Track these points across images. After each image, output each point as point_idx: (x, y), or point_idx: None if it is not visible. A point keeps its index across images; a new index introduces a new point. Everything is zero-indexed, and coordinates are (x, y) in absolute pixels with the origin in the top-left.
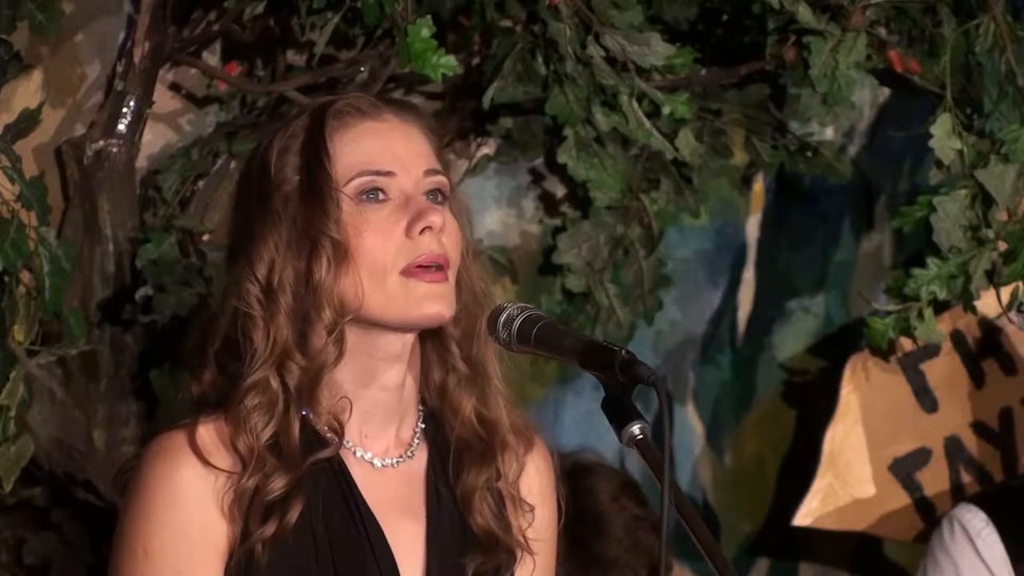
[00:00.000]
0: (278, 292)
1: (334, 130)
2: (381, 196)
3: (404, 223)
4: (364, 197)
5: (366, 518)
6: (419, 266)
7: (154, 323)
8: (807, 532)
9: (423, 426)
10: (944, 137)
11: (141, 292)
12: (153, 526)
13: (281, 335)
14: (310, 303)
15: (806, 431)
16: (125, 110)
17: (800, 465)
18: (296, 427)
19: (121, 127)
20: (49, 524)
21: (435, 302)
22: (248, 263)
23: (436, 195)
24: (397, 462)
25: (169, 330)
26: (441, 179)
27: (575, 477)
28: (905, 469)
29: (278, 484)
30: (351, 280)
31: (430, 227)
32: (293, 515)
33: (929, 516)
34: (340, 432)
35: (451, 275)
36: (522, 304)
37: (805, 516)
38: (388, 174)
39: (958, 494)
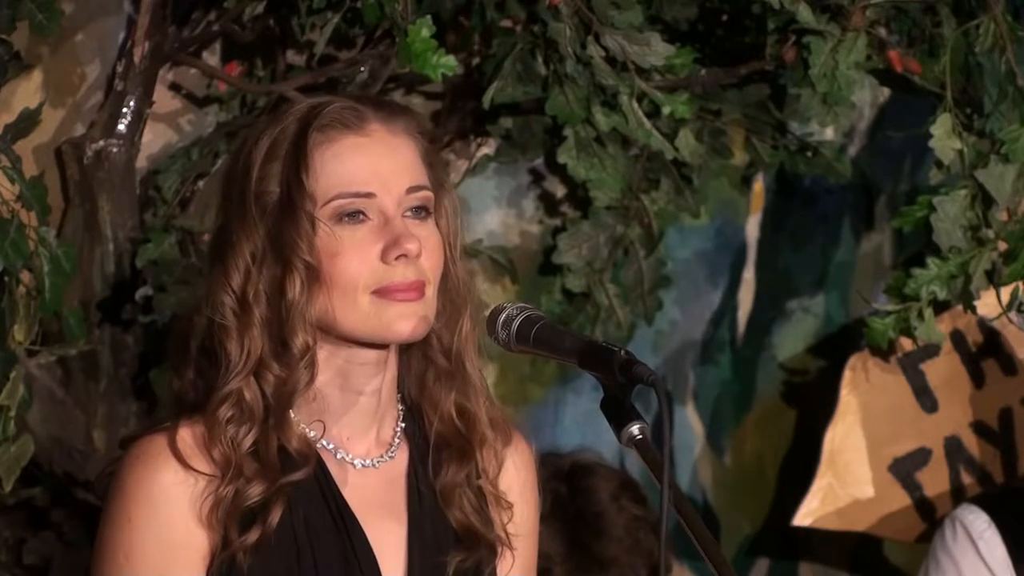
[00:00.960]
0: (252, 304)
1: (317, 144)
2: (359, 217)
3: (380, 247)
4: (342, 219)
5: (347, 520)
6: (392, 288)
7: (154, 323)
8: (807, 532)
9: (403, 425)
10: (944, 137)
11: (141, 292)
12: (133, 531)
13: (256, 347)
14: (283, 323)
15: (806, 431)
16: (125, 110)
17: (800, 465)
18: (275, 436)
19: (121, 127)
20: (49, 524)
21: (407, 321)
22: (224, 271)
23: (420, 212)
24: (378, 463)
25: (169, 330)
26: (424, 195)
27: (574, 477)
28: (905, 469)
29: (256, 491)
30: (323, 302)
31: (405, 255)
32: (274, 520)
33: (929, 516)
34: (311, 456)
35: (430, 290)
36: (521, 304)
37: (805, 516)
38: (368, 195)
39: (958, 494)
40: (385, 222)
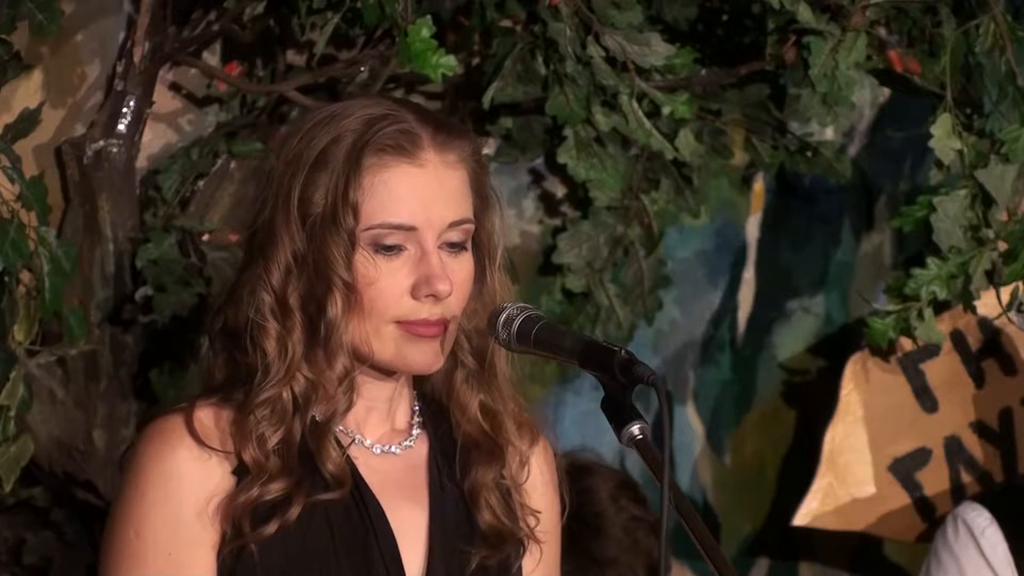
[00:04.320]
0: (293, 309)
1: (370, 166)
2: (397, 248)
3: (412, 281)
4: (379, 247)
5: (368, 501)
6: (416, 323)
7: (154, 323)
8: (807, 532)
9: (419, 419)
10: (944, 137)
11: (141, 292)
12: (145, 508)
13: (297, 353)
14: (322, 340)
15: (806, 431)
16: (125, 110)
17: (800, 465)
18: (298, 432)
19: (121, 127)
20: (49, 524)
21: (422, 356)
22: (264, 266)
23: (457, 246)
24: (397, 449)
25: (169, 330)
26: (465, 228)
27: (573, 477)
28: (905, 469)
29: (277, 487)
30: (359, 327)
31: (435, 295)
32: (292, 515)
33: (929, 516)
34: (347, 479)
35: (452, 326)
36: (522, 304)
37: (805, 516)
38: (410, 228)
39: (958, 494)
40: (422, 255)
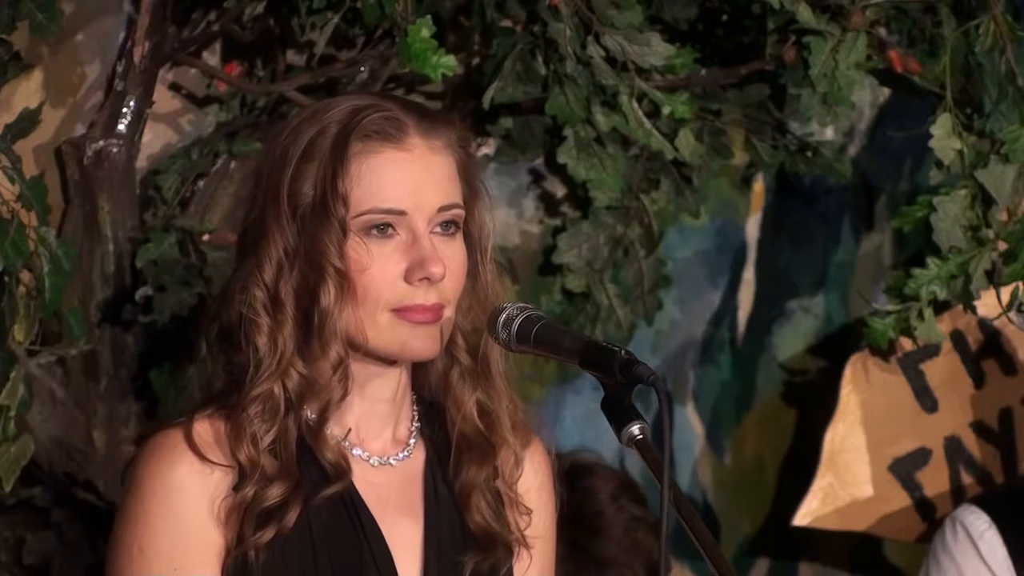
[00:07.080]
0: (285, 303)
1: (356, 153)
2: (388, 231)
3: (405, 266)
4: (371, 231)
5: (363, 516)
6: (411, 309)
7: (154, 323)
8: (807, 532)
9: (419, 424)
10: (944, 137)
11: (141, 292)
12: (149, 524)
13: (288, 347)
14: (315, 330)
15: (806, 431)
16: (125, 110)
17: (800, 465)
18: (294, 432)
19: (121, 127)
20: (49, 524)
21: (420, 341)
22: (257, 263)
23: (449, 227)
24: (394, 461)
25: (169, 330)
26: (455, 212)
27: (574, 477)
28: (905, 469)
29: (276, 492)
30: (353, 314)
31: (429, 278)
32: (291, 520)
33: (929, 516)
34: (346, 470)
35: (448, 311)
36: (522, 304)
37: (805, 516)
38: (400, 213)
39: (958, 494)
40: (413, 240)
